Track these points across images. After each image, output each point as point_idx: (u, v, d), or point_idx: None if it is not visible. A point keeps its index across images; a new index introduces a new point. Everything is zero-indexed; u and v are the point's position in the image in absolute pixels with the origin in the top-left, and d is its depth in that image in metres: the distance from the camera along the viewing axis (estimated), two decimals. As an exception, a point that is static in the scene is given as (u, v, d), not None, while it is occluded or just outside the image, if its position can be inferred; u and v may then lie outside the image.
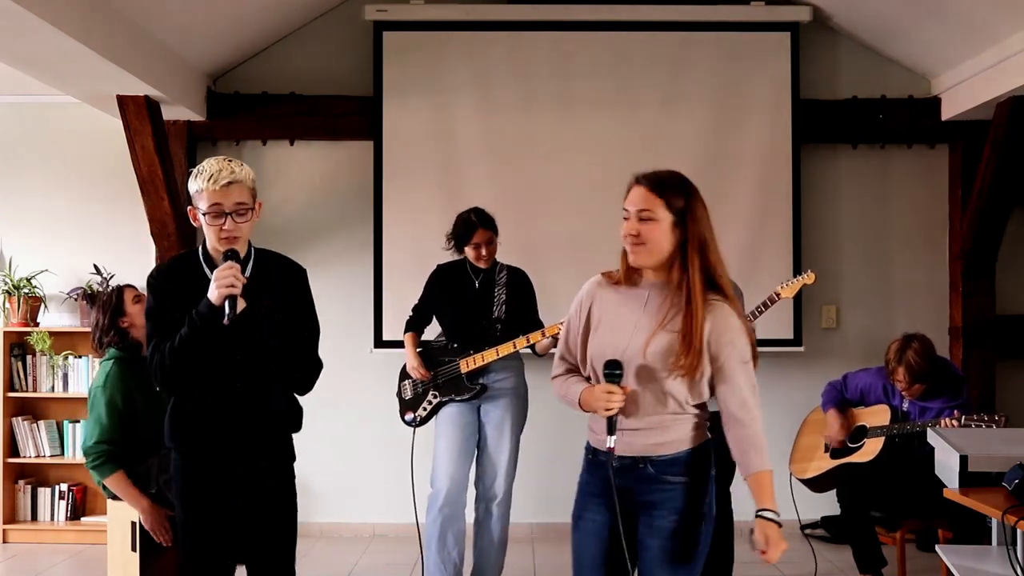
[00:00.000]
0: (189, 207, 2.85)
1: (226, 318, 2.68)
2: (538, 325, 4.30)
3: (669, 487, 2.48)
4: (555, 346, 3.77)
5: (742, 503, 4.33)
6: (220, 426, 2.82)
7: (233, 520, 2.84)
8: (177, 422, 2.85)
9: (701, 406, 2.53)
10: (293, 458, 2.99)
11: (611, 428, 2.42)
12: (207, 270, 2.83)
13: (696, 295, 2.42)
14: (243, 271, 2.80)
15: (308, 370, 2.93)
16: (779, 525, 2.43)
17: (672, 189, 2.46)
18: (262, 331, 2.80)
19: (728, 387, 2.48)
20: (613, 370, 2.43)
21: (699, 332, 2.41)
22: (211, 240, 2.82)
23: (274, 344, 2.81)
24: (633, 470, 2.49)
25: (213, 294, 2.70)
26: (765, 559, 2.42)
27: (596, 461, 2.56)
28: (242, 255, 2.84)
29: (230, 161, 2.81)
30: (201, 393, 2.82)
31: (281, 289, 2.88)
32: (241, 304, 2.72)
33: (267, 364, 2.83)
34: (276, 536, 2.90)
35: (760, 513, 2.43)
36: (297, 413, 2.98)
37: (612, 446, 2.42)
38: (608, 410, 2.42)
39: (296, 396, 2.97)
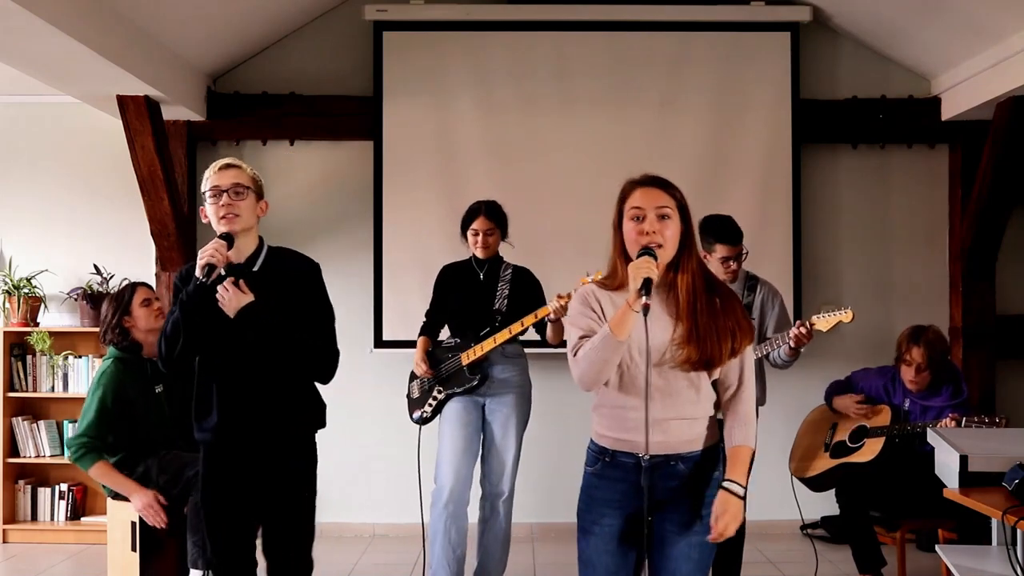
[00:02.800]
0: (201, 207, 3.06)
1: (200, 281, 2.89)
2: (539, 322, 4.30)
3: (698, 485, 2.51)
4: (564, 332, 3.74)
5: (753, 504, 4.34)
6: (237, 418, 3.00)
7: (250, 506, 3.05)
8: (198, 413, 3.04)
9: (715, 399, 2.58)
10: (315, 457, 3.15)
11: (648, 290, 2.36)
12: (220, 270, 2.96)
13: (700, 289, 2.50)
14: (252, 265, 3.03)
15: (325, 359, 3.09)
16: (743, 499, 2.48)
17: (674, 187, 2.56)
18: (262, 325, 2.95)
19: (733, 364, 2.54)
20: (648, 251, 2.44)
21: (713, 322, 2.47)
22: (217, 230, 2.98)
23: (255, 340, 2.95)
24: (663, 468, 2.49)
25: (196, 268, 2.91)
26: (714, 536, 2.45)
27: (615, 463, 2.52)
28: (250, 251, 3.05)
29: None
30: (216, 386, 3.00)
31: (292, 283, 3.05)
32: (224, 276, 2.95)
33: (276, 357, 2.98)
34: (291, 518, 3.07)
35: (726, 484, 2.48)
36: (319, 409, 3.15)
37: (647, 302, 2.36)
38: (647, 271, 2.38)
39: (318, 392, 3.16)
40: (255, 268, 3.03)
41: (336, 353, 3.13)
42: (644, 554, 2.52)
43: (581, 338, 2.52)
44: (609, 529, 2.52)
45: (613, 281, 2.57)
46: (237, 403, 2.99)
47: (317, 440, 3.16)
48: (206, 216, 3.03)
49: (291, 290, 3.03)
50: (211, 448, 3.05)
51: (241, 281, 2.96)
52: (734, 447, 2.54)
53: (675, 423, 2.48)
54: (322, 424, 3.16)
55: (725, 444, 2.57)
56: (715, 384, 2.58)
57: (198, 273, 2.89)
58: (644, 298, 2.36)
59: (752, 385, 2.58)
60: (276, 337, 2.96)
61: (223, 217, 2.96)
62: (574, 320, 2.59)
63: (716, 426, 2.57)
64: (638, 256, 2.44)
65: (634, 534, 2.52)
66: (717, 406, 2.59)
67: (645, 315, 2.38)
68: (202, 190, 3.03)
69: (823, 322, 4.02)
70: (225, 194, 2.97)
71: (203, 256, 2.89)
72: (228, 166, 3.02)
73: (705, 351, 2.45)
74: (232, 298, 2.93)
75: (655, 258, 2.43)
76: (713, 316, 2.48)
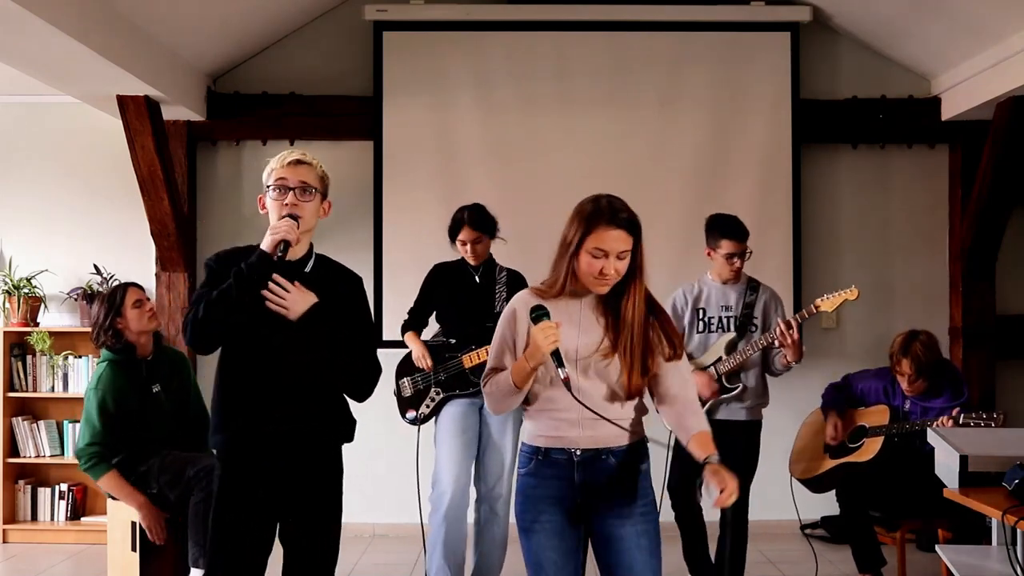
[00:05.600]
0: (259, 195, 2.88)
1: (276, 256, 2.71)
2: None
3: (630, 477, 2.57)
4: None
5: (753, 504, 4.33)
6: (264, 426, 2.76)
7: (271, 520, 2.82)
8: (221, 417, 2.79)
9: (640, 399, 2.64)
10: (341, 470, 2.92)
11: (560, 360, 2.46)
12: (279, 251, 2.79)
13: (637, 311, 2.54)
14: (303, 267, 2.83)
15: (364, 375, 2.89)
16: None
17: (637, 226, 2.55)
18: (310, 329, 2.75)
19: (669, 369, 2.59)
20: (539, 311, 2.49)
21: (643, 337, 2.54)
22: (273, 222, 2.79)
23: (303, 344, 2.75)
24: (596, 462, 2.55)
25: (266, 242, 2.73)
26: (720, 501, 2.46)
27: (548, 461, 2.58)
28: (302, 253, 2.85)
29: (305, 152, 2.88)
30: (246, 390, 2.77)
31: (338, 294, 2.86)
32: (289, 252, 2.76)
33: (314, 366, 2.77)
34: (315, 537, 2.85)
35: (708, 460, 2.48)
36: (348, 423, 2.93)
37: (567, 375, 2.46)
38: (553, 342, 2.44)
39: (348, 407, 2.93)
40: (307, 270, 2.84)
41: (377, 369, 2.91)
42: (585, 546, 2.61)
43: (492, 370, 2.63)
44: (550, 525, 2.57)
45: (551, 290, 2.60)
46: (265, 408, 2.75)
47: None
48: (264, 207, 2.84)
49: (336, 299, 2.83)
50: (230, 452, 2.79)
51: (296, 282, 2.76)
52: (699, 432, 2.54)
53: (603, 423, 2.54)
54: (349, 438, 2.94)
55: (680, 435, 2.59)
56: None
57: (269, 247, 2.70)
58: (563, 372, 2.44)
59: (692, 391, 2.62)
60: (330, 346, 2.77)
61: (284, 216, 2.76)
62: (495, 340, 2.66)
63: (641, 423, 2.63)
64: (533, 316, 2.48)
65: (574, 528, 2.59)
66: (642, 410, 2.64)
67: (568, 388, 2.46)
68: (265, 180, 2.83)
69: (828, 303, 4.05)
70: (292, 192, 2.79)
71: (278, 231, 2.71)
72: (299, 162, 2.83)
73: (628, 367, 2.52)
74: (297, 298, 2.73)
75: (546, 319, 2.47)
76: (642, 338, 2.54)
